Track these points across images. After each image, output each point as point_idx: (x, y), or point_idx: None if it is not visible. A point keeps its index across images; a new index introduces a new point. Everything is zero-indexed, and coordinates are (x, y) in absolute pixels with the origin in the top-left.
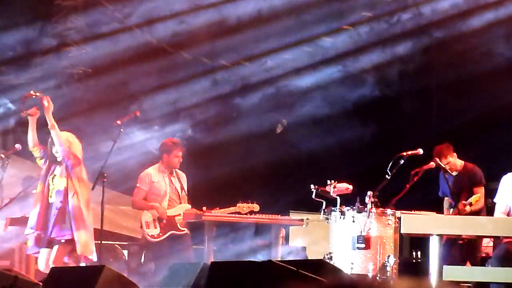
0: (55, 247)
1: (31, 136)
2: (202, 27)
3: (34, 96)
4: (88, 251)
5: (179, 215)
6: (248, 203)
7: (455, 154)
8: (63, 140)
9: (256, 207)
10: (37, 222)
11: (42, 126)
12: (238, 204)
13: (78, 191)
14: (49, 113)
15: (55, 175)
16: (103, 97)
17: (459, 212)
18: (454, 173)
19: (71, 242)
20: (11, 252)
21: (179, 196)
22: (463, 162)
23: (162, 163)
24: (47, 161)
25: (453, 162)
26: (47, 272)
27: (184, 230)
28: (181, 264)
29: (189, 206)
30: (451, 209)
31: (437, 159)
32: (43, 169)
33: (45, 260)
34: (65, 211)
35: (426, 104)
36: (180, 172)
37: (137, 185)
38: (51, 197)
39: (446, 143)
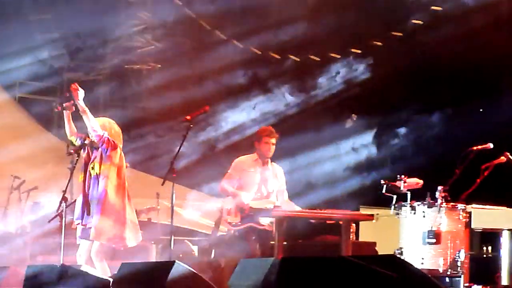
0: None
1: (68, 126)
2: None
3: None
4: (102, 237)
5: (260, 209)
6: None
7: None
8: (96, 125)
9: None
10: (81, 213)
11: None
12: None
13: (109, 176)
14: (79, 99)
15: (94, 163)
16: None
17: None
18: None
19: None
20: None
21: (268, 190)
22: None
23: (256, 153)
24: (87, 148)
25: None
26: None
27: (264, 225)
28: (251, 260)
29: (274, 202)
30: None
31: (508, 154)
32: (83, 157)
33: (86, 253)
34: (92, 197)
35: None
36: (276, 166)
37: (228, 171)
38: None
39: None
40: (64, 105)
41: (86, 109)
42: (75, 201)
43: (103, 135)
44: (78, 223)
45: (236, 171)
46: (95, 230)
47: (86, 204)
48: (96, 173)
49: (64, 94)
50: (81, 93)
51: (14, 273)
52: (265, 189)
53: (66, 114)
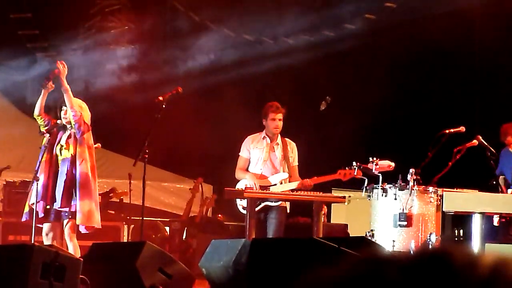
0: (69, 221)
1: (39, 105)
2: None
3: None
4: (90, 221)
5: (275, 184)
6: (349, 170)
7: None
8: (76, 104)
9: (358, 173)
10: (44, 192)
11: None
12: (339, 171)
13: (87, 158)
14: (63, 77)
15: (62, 145)
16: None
17: None
18: None
19: (75, 213)
20: (52, 227)
21: (280, 165)
22: None
23: (265, 130)
24: (53, 131)
25: None
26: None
27: (278, 202)
28: (222, 241)
29: (286, 175)
30: (509, 189)
31: (480, 138)
32: (45, 139)
33: (53, 235)
34: (73, 181)
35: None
36: (288, 141)
37: (239, 153)
38: (58, 166)
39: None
40: (46, 84)
41: (68, 87)
42: (35, 179)
43: (80, 116)
44: (38, 202)
45: (244, 152)
46: (82, 214)
47: (53, 186)
48: (72, 155)
49: (49, 73)
50: (65, 71)
51: None
52: (273, 165)
53: (44, 93)
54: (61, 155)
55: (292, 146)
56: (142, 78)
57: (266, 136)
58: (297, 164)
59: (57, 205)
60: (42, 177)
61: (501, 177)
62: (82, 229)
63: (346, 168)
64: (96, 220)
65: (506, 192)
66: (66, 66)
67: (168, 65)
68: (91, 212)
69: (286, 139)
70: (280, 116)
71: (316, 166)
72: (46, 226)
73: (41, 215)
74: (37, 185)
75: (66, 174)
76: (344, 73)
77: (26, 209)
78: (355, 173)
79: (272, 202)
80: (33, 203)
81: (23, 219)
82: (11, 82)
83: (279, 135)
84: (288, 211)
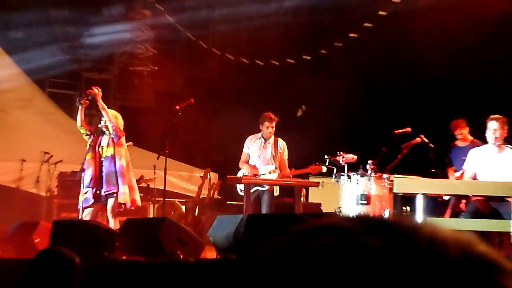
0: (110, 200)
1: (79, 118)
2: None
3: (91, 91)
4: (129, 199)
5: (263, 174)
6: (318, 165)
7: (467, 128)
8: (112, 116)
9: (324, 168)
10: (92, 182)
11: (89, 109)
12: (310, 166)
13: (123, 155)
14: (99, 98)
15: (103, 146)
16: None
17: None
18: (464, 144)
19: (117, 196)
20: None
21: (270, 160)
22: (472, 137)
23: (261, 132)
24: (94, 135)
25: (465, 134)
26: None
27: (266, 187)
28: (225, 216)
29: (273, 167)
30: (456, 173)
31: (422, 136)
32: (89, 142)
33: (95, 213)
34: (114, 172)
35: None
36: (280, 140)
37: (243, 149)
38: (101, 162)
39: (462, 118)
40: (81, 101)
41: (105, 106)
42: (82, 170)
43: (117, 125)
44: (89, 190)
45: (245, 147)
46: (124, 195)
47: (99, 177)
48: (112, 154)
49: (84, 92)
50: (100, 93)
51: (44, 226)
52: (270, 159)
53: (81, 108)
54: (103, 153)
55: (282, 144)
56: (164, 91)
57: (262, 137)
58: (286, 158)
59: (104, 190)
60: (90, 171)
61: (450, 168)
62: (128, 205)
63: (317, 163)
64: (135, 198)
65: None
66: (100, 90)
67: (183, 81)
68: (129, 193)
69: (278, 138)
70: (273, 124)
71: (297, 159)
72: (88, 209)
73: (92, 201)
74: (84, 177)
75: (108, 168)
76: (320, 81)
77: (81, 198)
78: (323, 169)
79: (261, 187)
80: (86, 192)
81: (80, 206)
82: (61, 96)
83: (273, 134)
84: (277, 193)
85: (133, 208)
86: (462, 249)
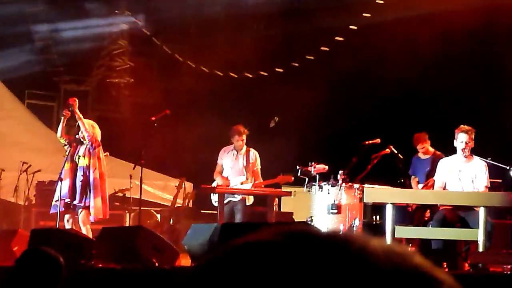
0: (83, 212)
1: (60, 129)
2: None
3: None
4: (100, 214)
5: (235, 185)
6: (286, 176)
7: (429, 141)
8: (88, 128)
9: (292, 179)
10: (68, 192)
11: (68, 119)
12: (278, 176)
13: (97, 167)
14: (76, 109)
15: (79, 156)
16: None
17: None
18: (426, 157)
19: (89, 207)
20: (72, 215)
21: (242, 170)
22: (433, 149)
23: (233, 145)
24: (72, 144)
25: (427, 147)
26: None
27: (239, 197)
28: (200, 224)
29: (244, 178)
30: (419, 185)
31: (392, 147)
32: (68, 151)
33: (72, 222)
34: (87, 183)
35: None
36: (252, 150)
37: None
38: (77, 172)
39: (424, 131)
40: (63, 113)
41: (81, 116)
42: (59, 179)
43: (92, 135)
44: (63, 199)
45: (219, 159)
46: (95, 209)
47: (73, 187)
48: (86, 165)
49: (65, 104)
50: (76, 103)
51: (22, 234)
52: (242, 169)
53: (63, 119)
54: (79, 163)
55: (253, 155)
56: (140, 103)
57: (234, 149)
58: (258, 168)
59: (76, 202)
60: (67, 181)
61: (413, 177)
62: (92, 218)
63: (285, 174)
64: (105, 212)
65: (417, 188)
66: (77, 100)
67: (159, 93)
68: (101, 207)
69: (251, 149)
70: (243, 137)
71: (270, 169)
72: (67, 216)
73: (61, 209)
74: (61, 185)
75: (82, 178)
76: (292, 93)
77: (52, 203)
78: (291, 179)
79: (234, 197)
80: (57, 200)
81: (51, 211)
82: (40, 107)
83: (244, 146)
84: (250, 203)
85: (107, 217)
86: (394, 261)
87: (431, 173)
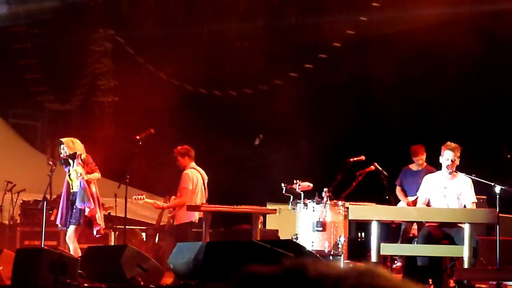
0: (71, 227)
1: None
2: None
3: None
4: (103, 224)
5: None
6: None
7: (425, 154)
8: (69, 142)
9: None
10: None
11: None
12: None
13: (90, 187)
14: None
15: (70, 174)
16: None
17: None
18: (418, 169)
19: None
20: (57, 234)
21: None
22: (426, 163)
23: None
24: (57, 163)
25: (423, 160)
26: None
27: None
28: (185, 243)
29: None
30: (409, 197)
31: (376, 164)
32: (53, 170)
33: (78, 232)
34: (88, 192)
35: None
36: (201, 171)
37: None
38: (72, 189)
39: (421, 144)
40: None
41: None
42: (56, 199)
43: (83, 178)
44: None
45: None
46: (99, 219)
47: (67, 206)
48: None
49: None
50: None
51: (7, 254)
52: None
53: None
54: (71, 181)
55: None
56: (124, 121)
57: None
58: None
59: (78, 206)
60: (61, 202)
61: (399, 188)
62: (95, 233)
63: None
64: (99, 223)
65: (406, 198)
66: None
67: (143, 111)
68: (95, 219)
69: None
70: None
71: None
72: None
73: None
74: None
75: (74, 201)
76: (276, 111)
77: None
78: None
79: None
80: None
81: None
82: (24, 126)
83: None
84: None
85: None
86: (355, 282)
87: None
